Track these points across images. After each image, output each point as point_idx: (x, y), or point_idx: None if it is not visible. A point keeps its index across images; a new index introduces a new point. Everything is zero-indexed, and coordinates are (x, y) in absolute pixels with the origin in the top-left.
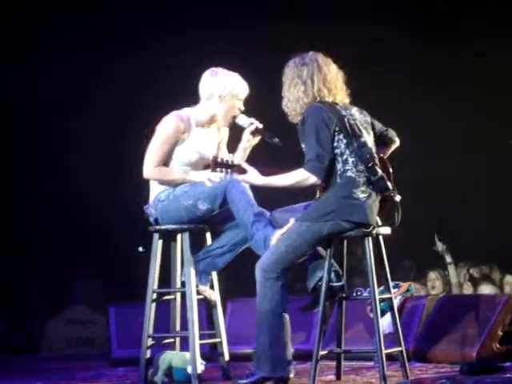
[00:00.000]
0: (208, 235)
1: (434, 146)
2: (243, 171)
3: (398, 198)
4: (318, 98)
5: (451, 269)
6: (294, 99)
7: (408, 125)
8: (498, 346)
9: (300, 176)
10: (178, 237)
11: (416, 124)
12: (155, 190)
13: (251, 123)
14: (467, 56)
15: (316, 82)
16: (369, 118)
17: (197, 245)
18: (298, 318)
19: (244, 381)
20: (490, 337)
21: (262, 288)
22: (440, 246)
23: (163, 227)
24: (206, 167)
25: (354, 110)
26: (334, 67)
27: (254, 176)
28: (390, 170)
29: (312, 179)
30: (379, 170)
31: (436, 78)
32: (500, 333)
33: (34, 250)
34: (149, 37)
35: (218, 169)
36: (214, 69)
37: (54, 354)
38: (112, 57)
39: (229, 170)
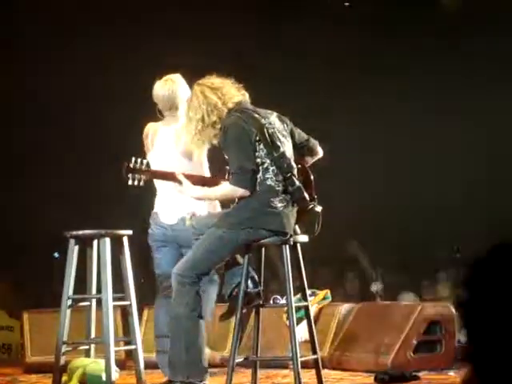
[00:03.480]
0: None
1: (351, 155)
2: (168, 179)
3: (318, 208)
4: (226, 110)
5: (367, 272)
6: (204, 125)
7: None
8: (412, 354)
9: (227, 190)
10: (95, 242)
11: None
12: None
13: None
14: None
15: (214, 99)
16: (289, 126)
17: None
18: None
19: None
20: (404, 345)
21: (178, 293)
22: (355, 250)
23: (80, 232)
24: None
25: (274, 117)
26: (218, 79)
27: (188, 188)
28: (312, 179)
29: (239, 192)
30: (296, 181)
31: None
32: (414, 342)
33: None
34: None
35: (130, 175)
36: None
37: None
38: None
39: (142, 177)
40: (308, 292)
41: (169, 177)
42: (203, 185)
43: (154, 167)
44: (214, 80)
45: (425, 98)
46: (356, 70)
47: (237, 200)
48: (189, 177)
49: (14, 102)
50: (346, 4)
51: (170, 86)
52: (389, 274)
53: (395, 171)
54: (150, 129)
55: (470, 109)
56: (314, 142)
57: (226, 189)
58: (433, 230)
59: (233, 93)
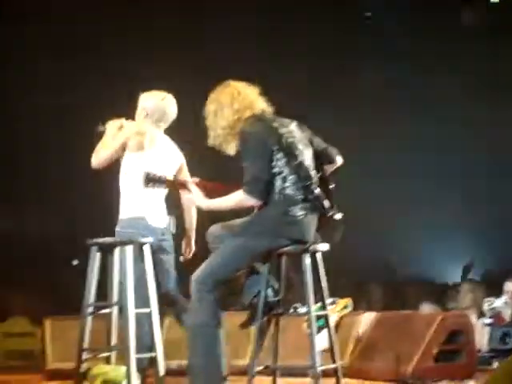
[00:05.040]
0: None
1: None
2: (183, 188)
3: (338, 216)
4: (247, 115)
5: None
6: (223, 127)
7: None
8: (432, 364)
9: (239, 199)
10: (116, 250)
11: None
12: None
13: None
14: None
15: (237, 103)
16: (308, 135)
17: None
18: (235, 334)
19: None
20: (424, 355)
21: (195, 301)
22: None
23: (101, 240)
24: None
25: (293, 126)
26: (245, 85)
27: (198, 198)
28: (331, 188)
29: (251, 201)
30: (316, 189)
31: None
32: (435, 351)
33: None
34: None
35: (151, 184)
36: None
37: None
38: None
39: (161, 186)
40: (329, 301)
41: (182, 185)
42: (215, 193)
43: (152, 168)
44: (243, 85)
45: None
46: None
47: (256, 209)
48: (201, 185)
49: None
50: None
51: (175, 106)
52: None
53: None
54: (148, 130)
55: None
56: (333, 151)
57: (238, 198)
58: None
59: (256, 101)
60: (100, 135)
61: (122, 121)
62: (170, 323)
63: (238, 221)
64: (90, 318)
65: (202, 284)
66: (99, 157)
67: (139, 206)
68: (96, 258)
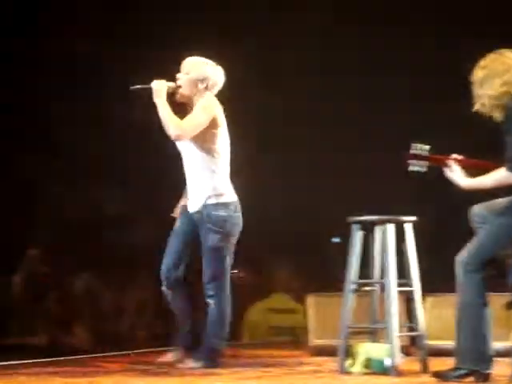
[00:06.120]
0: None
1: None
2: (443, 164)
3: None
4: None
5: None
6: (489, 96)
7: None
8: None
9: (502, 176)
10: (377, 228)
11: None
12: None
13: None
14: None
15: (508, 75)
16: None
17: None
18: (498, 315)
19: (450, 376)
20: None
21: (462, 280)
22: None
23: (363, 218)
24: None
25: None
26: None
27: (459, 177)
28: None
29: None
30: None
31: None
32: None
33: None
34: None
35: (414, 161)
36: None
37: (255, 341)
38: None
39: (422, 163)
40: None
41: (442, 162)
42: (474, 170)
43: (227, 147)
44: None
45: None
46: None
47: None
48: (459, 161)
49: None
50: None
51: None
52: None
53: None
54: (218, 105)
55: None
56: None
57: (500, 176)
58: None
59: None
60: (144, 92)
61: (165, 82)
62: (432, 303)
63: (503, 200)
64: (352, 295)
65: (468, 264)
66: (184, 128)
67: (229, 187)
68: (357, 236)
